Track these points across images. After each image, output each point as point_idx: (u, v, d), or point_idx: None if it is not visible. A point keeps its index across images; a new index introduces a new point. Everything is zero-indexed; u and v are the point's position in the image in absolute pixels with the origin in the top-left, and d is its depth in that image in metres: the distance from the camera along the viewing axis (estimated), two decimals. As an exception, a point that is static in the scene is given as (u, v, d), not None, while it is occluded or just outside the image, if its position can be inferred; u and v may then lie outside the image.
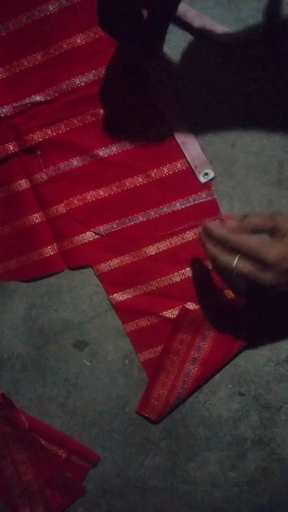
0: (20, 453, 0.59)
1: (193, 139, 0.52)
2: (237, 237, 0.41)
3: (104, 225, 0.55)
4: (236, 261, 0.41)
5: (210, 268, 0.54)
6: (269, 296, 0.44)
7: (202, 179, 0.52)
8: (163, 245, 0.55)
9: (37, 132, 0.53)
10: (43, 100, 0.52)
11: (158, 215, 0.54)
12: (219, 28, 0.49)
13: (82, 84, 0.51)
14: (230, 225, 0.43)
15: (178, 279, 0.55)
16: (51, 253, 0.56)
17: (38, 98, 0.52)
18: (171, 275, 0.55)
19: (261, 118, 0.52)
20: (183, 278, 0.55)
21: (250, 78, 0.51)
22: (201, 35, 0.49)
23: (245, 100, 0.52)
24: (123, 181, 0.54)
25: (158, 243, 0.55)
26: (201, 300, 0.55)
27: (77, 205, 0.54)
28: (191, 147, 0.52)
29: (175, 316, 0.55)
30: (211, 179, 0.52)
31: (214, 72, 0.51)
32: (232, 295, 0.54)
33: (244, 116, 0.52)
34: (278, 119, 0.52)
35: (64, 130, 0.53)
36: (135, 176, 0.53)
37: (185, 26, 0.50)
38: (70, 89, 0.51)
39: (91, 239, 0.55)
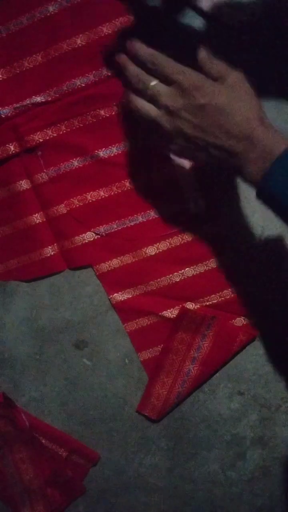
0: (21, 452, 0.59)
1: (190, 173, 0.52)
2: (165, 57, 0.40)
3: (104, 225, 0.55)
4: (155, 82, 0.40)
5: (214, 266, 0.55)
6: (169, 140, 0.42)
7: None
8: (163, 245, 0.55)
9: (38, 133, 0.53)
10: (43, 101, 0.52)
11: (158, 216, 0.54)
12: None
13: (83, 85, 0.51)
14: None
15: (178, 279, 0.55)
16: (52, 253, 0.56)
17: (38, 99, 0.52)
18: (171, 275, 0.55)
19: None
20: (182, 278, 0.55)
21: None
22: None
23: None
24: (123, 181, 0.54)
25: (158, 243, 0.55)
26: (202, 299, 0.55)
27: (77, 205, 0.55)
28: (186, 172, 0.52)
29: (175, 316, 0.55)
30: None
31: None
32: (232, 295, 0.55)
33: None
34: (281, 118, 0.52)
35: (64, 131, 0.53)
36: (136, 176, 0.54)
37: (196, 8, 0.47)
38: (70, 90, 0.51)
39: (92, 239, 0.55)
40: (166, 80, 0.40)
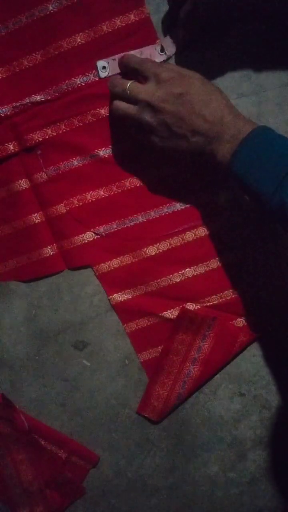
0: (20, 453, 0.59)
1: None
2: (141, 58, 0.47)
3: (104, 225, 0.55)
4: (130, 82, 0.45)
5: (214, 267, 0.54)
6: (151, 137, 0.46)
7: None
8: (163, 246, 0.55)
9: (37, 132, 0.53)
10: (43, 99, 0.52)
11: (158, 216, 0.54)
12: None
13: (83, 84, 0.51)
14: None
15: (178, 280, 0.55)
16: (51, 253, 0.56)
17: (38, 97, 0.52)
18: (171, 275, 0.55)
19: (260, 118, 0.52)
20: (183, 278, 0.55)
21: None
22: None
23: (243, 102, 0.52)
24: (123, 181, 0.54)
25: (158, 244, 0.55)
26: (202, 300, 0.55)
27: (77, 205, 0.54)
28: None
29: (175, 316, 0.55)
30: None
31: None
32: (233, 295, 0.54)
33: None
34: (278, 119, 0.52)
35: (64, 130, 0.52)
36: (135, 176, 0.53)
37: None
38: (70, 88, 0.51)
39: (91, 239, 0.55)
40: (143, 78, 0.45)
